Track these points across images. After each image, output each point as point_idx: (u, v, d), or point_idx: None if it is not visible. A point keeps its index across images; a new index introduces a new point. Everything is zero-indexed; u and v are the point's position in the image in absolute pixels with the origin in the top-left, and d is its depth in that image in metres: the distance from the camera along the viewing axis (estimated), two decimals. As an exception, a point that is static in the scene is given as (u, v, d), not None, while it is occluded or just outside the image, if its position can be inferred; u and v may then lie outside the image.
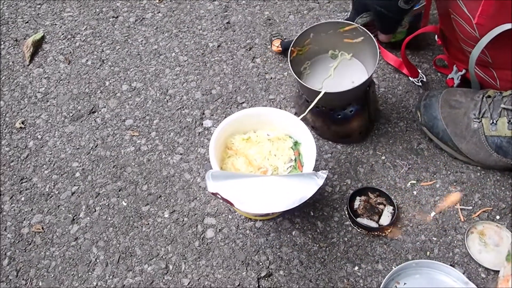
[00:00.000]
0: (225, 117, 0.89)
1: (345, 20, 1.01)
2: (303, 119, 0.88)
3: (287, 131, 0.90)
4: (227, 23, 1.25)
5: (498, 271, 0.80)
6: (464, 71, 1.01)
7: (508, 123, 0.86)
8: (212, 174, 0.73)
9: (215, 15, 1.28)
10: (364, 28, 0.91)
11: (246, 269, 0.84)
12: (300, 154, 0.88)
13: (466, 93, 0.93)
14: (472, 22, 0.84)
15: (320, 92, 0.86)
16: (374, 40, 0.90)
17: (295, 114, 1.00)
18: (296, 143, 0.90)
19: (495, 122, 0.88)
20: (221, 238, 0.88)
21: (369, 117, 0.98)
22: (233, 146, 0.89)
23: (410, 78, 1.08)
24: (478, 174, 0.93)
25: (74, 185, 0.97)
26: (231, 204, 0.70)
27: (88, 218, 0.92)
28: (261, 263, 0.85)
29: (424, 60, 1.11)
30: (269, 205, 0.72)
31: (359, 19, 1.02)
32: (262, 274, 0.83)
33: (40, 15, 1.31)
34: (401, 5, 0.91)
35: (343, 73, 0.98)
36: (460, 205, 0.89)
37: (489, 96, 0.90)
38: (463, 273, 0.81)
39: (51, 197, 0.95)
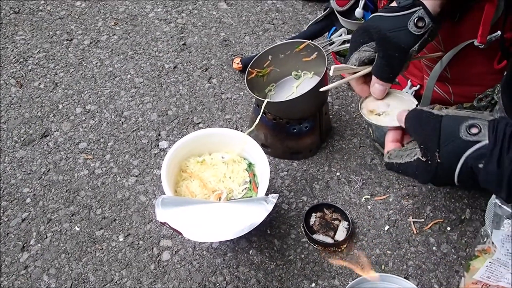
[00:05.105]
0: (182, 137, 0.89)
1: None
2: (255, 136, 0.88)
3: (241, 152, 0.90)
4: (183, 44, 1.26)
5: (450, 282, 0.82)
6: (418, 86, 1.04)
7: (453, 137, 0.89)
8: (162, 201, 0.72)
9: (171, 37, 1.28)
10: (315, 43, 0.93)
11: (203, 291, 0.83)
12: (255, 175, 0.89)
13: (414, 109, 0.96)
14: (438, 37, 0.84)
15: (264, 100, 0.90)
16: (323, 51, 0.92)
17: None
18: (250, 165, 0.90)
19: (441, 136, 0.90)
20: (177, 260, 0.87)
21: (321, 135, 0.99)
22: (188, 169, 0.89)
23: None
24: (429, 187, 0.96)
25: (25, 211, 0.94)
26: (180, 233, 0.69)
27: (39, 245, 0.89)
28: (218, 284, 0.83)
29: (375, 78, 1.14)
30: (218, 234, 0.72)
31: (357, 53, 0.75)
32: (219, 295, 0.82)
33: (-9, 38, 1.28)
34: (410, 29, 0.69)
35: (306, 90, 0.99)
36: (412, 218, 0.91)
37: (435, 112, 0.93)
38: (417, 285, 0.82)
39: (0, 224, 0.92)
